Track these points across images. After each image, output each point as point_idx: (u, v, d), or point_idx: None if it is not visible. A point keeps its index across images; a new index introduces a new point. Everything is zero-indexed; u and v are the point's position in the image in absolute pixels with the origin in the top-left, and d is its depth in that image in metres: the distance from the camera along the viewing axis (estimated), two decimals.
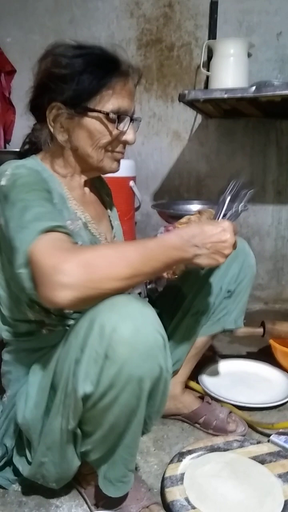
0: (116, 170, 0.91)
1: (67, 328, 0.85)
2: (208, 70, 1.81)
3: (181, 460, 0.97)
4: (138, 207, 2.03)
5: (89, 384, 0.68)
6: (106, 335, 0.66)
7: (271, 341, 1.37)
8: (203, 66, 1.85)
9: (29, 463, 0.85)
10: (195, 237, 0.74)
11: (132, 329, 0.66)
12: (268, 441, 1.06)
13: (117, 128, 0.84)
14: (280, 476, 0.92)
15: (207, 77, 1.82)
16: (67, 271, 0.64)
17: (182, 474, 0.93)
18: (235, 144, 1.97)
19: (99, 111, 0.82)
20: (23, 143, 0.94)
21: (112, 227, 1.01)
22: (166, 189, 2.09)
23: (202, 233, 0.75)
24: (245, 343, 1.64)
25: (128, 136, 0.87)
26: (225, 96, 1.44)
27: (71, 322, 0.86)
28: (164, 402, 0.77)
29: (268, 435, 1.08)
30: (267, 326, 1.36)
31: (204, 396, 1.19)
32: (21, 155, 0.91)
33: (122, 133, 0.85)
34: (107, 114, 0.82)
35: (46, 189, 0.80)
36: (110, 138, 0.85)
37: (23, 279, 0.69)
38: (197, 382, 1.28)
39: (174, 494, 0.88)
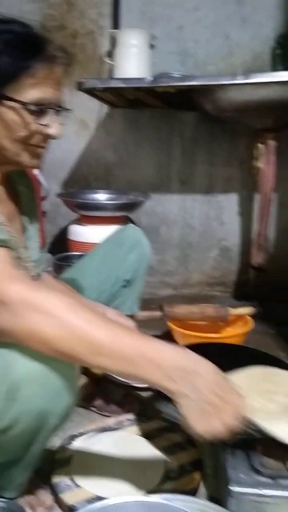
0: (37, 166, 0.83)
1: None
2: (112, 60, 1.82)
3: (71, 443, 0.99)
4: (45, 197, 2.01)
5: None
6: (12, 375, 0.63)
7: (169, 323, 1.43)
8: (107, 56, 1.86)
9: None
10: (201, 377, 0.63)
11: (41, 370, 0.63)
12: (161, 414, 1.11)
13: (36, 122, 0.74)
14: (164, 449, 0.97)
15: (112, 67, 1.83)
16: (7, 303, 0.60)
17: (70, 456, 0.95)
18: (141, 134, 2.01)
19: (17, 101, 0.71)
20: None
21: (25, 229, 0.91)
22: (75, 178, 2.08)
23: (217, 379, 0.65)
24: (150, 327, 1.69)
25: (52, 130, 0.76)
26: (123, 85, 1.46)
27: None
28: (67, 420, 0.75)
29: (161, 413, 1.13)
30: (165, 309, 1.42)
31: (99, 379, 1.22)
32: None
33: (45, 126, 0.75)
34: (25, 105, 0.72)
35: None
36: (30, 132, 0.75)
37: None
38: None
39: (60, 475, 0.89)
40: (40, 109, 0.73)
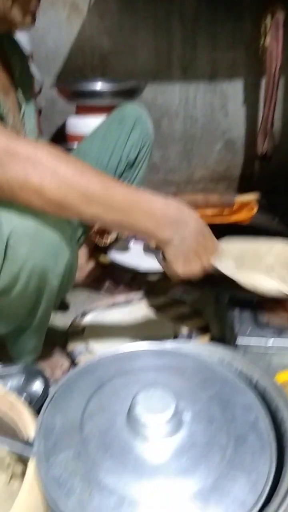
0: (30, 25, 0.77)
1: None
2: None
3: (83, 317, 1.03)
4: (40, 91, 1.90)
5: None
6: (3, 230, 0.61)
7: None
8: None
9: None
10: (188, 227, 0.66)
11: (33, 225, 0.61)
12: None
13: None
14: (172, 318, 1.01)
15: None
16: None
17: (84, 328, 0.99)
18: (137, 17, 1.84)
19: None
20: None
21: (20, 108, 0.86)
22: (69, 70, 1.95)
23: (202, 229, 0.68)
24: None
25: None
26: None
27: None
28: (70, 286, 0.76)
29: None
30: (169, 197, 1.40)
31: (106, 266, 1.24)
32: None
33: None
34: None
35: None
36: None
37: None
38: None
39: (74, 343, 0.94)
40: None
